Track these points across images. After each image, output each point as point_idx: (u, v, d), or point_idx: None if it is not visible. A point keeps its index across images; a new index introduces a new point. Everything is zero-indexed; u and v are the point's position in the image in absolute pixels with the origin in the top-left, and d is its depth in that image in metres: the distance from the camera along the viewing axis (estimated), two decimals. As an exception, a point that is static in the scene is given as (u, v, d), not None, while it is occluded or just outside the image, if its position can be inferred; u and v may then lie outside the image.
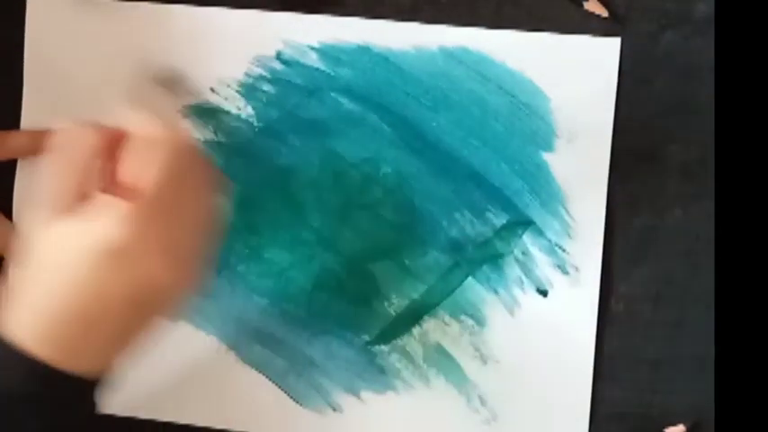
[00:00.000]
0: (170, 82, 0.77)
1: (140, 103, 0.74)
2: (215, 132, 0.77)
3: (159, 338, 0.77)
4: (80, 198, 0.62)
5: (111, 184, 0.63)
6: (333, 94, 0.76)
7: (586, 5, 0.72)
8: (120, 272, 0.61)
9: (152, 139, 0.63)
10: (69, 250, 0.61)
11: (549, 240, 0.74)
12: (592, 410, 0.74)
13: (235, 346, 0.78)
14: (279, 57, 0.76)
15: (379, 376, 0.77)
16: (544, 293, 0.74)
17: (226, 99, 0.77)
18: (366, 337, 0.77)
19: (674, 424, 0.73)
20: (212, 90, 0.77)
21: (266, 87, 0.77)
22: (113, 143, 0.64)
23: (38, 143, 0.76)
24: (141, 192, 0.62)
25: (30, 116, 0.79)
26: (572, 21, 0.73)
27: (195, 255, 0.65)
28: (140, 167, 0.63)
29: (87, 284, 0.61)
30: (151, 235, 0.62)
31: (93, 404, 0.64)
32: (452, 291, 0.75)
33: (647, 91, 0.72)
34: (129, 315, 0.63)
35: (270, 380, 0.77)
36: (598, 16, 0.72)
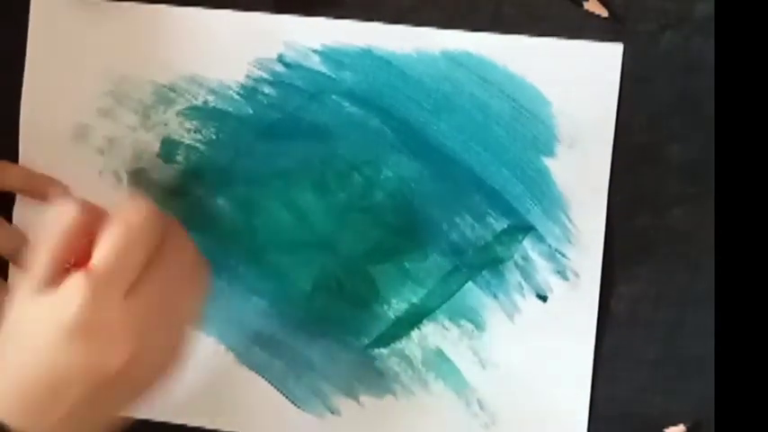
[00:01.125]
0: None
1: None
2: (216, 134, 0.77)
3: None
4: (60, 271, 0.62)
5: (84, 263, 0.62)
6: (334, 97, 0.76)
7: (586, 5, 0.72)
8: (80, 355, 0.60)
9: (131, 223, 0.63)
10: (39, 325, 0.61)
11: (550, 246, 0.74)
12: (592, 410, 0.74)
13: (234, 347, 0.78)
14: (280, 59, 0.76)
15: (378, 380, 0.76)
16: (544, 299, 0.74)
17: (227, 101, 0.77)
18: (365, 341, 0.76)
19: (674, 424, 0.73)
20: (213, 92, 0.77)
21: (267, 90, 0.77)
22: (95, 221, 0.63)
23: (33, 184, 0.77)
24: (112, 275, 0.61)
25: (29, 116, 0.79)
26: (572, 21, 0.73)
27: (169, 343, 0.65)
28: (114, 250, 0.62)
29: (52, 361, 0.61)
30: (118, 321, 0.61)
31: None
32: (452, 295, 0.75)
33: (648, 91, 0.72)
34: (93, 397, 0.62)
35: (269, 382, 0.77)
36: (598, 16, 0.72)
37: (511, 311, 0.75)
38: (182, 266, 0.65)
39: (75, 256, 0.63)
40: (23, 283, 0.63)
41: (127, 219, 0.63)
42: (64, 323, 0.60)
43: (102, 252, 0.62)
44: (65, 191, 0.76)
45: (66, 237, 0.63)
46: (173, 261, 0.65)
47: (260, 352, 0.77)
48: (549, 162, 0.74)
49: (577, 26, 0.73)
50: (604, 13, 0.72)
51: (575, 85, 0.73)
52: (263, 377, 0.77)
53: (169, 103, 0.78)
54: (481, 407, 0.75)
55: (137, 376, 0.63)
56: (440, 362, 0.76)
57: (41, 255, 0.63)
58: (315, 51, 0.76)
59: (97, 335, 0.60)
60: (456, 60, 0.75)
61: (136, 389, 0.64)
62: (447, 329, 0.75)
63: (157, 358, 0.64)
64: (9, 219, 0.79)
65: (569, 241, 0.74)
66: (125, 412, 0.65)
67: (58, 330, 0.60)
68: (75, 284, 0.61)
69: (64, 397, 0.61)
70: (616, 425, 0.74)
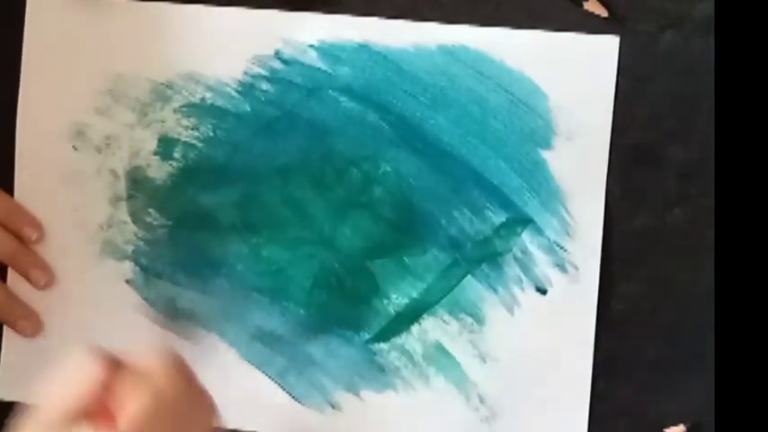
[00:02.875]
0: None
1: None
2: (214, 131, 0.77)
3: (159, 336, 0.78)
4: (71, 420, 0.60)
5: (101, 415, 0.60)
6: (332, 93, 0.76)
7: (586, 5, 0.72)
8: None
9: (146, 372, 0.61)
10: None
11: (549, 239, 0.74)
12: (591, 410, 0.74)
13: (235, 343, 0.78)
14: (278, 55, 0.76)
15: (379, 375, 0.77)
16: (543, 292, 0.75)
17: (225, 98, 0.77)
18: (365, 336, 0.77)
19: (674, 424, 0.73)
20: (211, 89, 0.77)
21: (265, 86, 0.76)
22: (111, 372, 0.61)
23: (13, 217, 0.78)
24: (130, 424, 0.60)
25: (26, 115, 0.79)
26: (572, 20, 0.73)
27: None
28: (132, 399, 0.60)
29: None
30: None
31: None
32: (451, 289, 0.75)
33: (647, 91, 0.72)
34: None
35: (270, 378, 0.78)
36: (598, 16, 0.72)
37: (510, 305, 0.75)
38: (197, 412, 0.64)
39: (92, 405, 0.61)
40: (31, 424, 0.61)
41: (156, 386, 0.61)
42: None
43: (131, 418, 0.60)
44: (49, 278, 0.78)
45: (82, 391, 0.60)
46: (191, 409, 0.63)
47: (261, 348, 0.77)
48: (546, 155, 0.74)
49: (577, 26, 0.73)
50: (604, 13, 0.72)
51: (571, 78, 0.73)
52: (264, 373, 0.78)
53: (166, 100, 0.77)
54: (481, 401, 0.75)
55: None
56: (440, 356, 0.76)
57: (55, 400, 0.61)
58: (312, 47, 0.76)
59: None
60: (453, 55, 0.74)
61: None
62: (447, 324, 0.76)
63: None
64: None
65: (568, 234, 0.74)
66: None
67: None
68: None
69: None
70: (616, 425, 0.74)
